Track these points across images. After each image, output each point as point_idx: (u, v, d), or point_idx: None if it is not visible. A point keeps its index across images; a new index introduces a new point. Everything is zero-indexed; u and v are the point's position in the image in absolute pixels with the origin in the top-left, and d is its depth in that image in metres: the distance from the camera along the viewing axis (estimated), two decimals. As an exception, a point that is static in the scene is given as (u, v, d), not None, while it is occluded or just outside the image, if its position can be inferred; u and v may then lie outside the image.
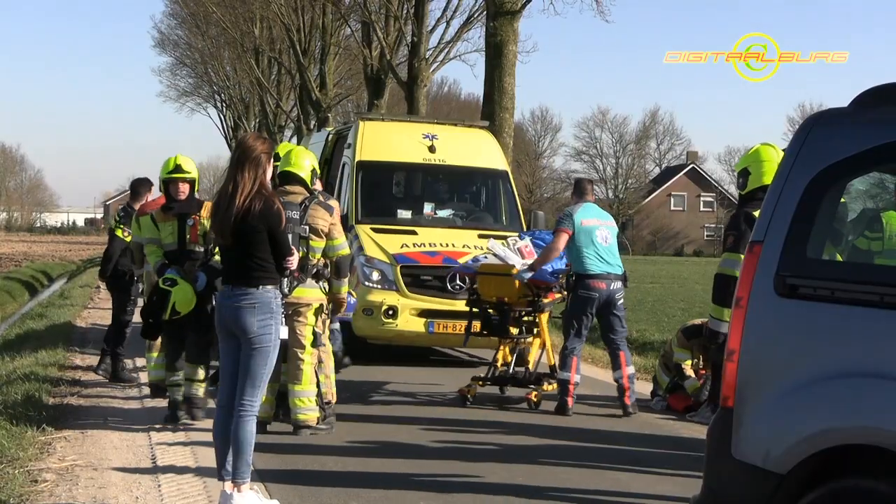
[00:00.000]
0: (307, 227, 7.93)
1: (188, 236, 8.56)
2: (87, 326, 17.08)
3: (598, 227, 9.74)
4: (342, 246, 8.19)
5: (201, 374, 8.56)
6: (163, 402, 9.49)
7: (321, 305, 8.15)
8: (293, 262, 6.29)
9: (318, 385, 8.23)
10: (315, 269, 8.04)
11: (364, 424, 8.75)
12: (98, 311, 20.00)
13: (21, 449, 7.31)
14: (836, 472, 3.79)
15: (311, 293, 8.05)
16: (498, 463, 7.54)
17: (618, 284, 9.74)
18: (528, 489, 6.81)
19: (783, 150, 6.47)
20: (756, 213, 6.17)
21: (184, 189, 8.61)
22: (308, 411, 8.12)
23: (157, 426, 8.45)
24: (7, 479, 6.51)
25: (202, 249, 8.52)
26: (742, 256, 6.19)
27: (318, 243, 8.04)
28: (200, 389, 8.59)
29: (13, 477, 6.55)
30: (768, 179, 6.30)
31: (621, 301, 9.78)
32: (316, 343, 8.13)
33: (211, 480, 6.47)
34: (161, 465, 7.16)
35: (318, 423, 8.20)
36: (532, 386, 10.03)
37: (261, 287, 6.03)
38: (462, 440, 8.38)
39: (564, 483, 7.05)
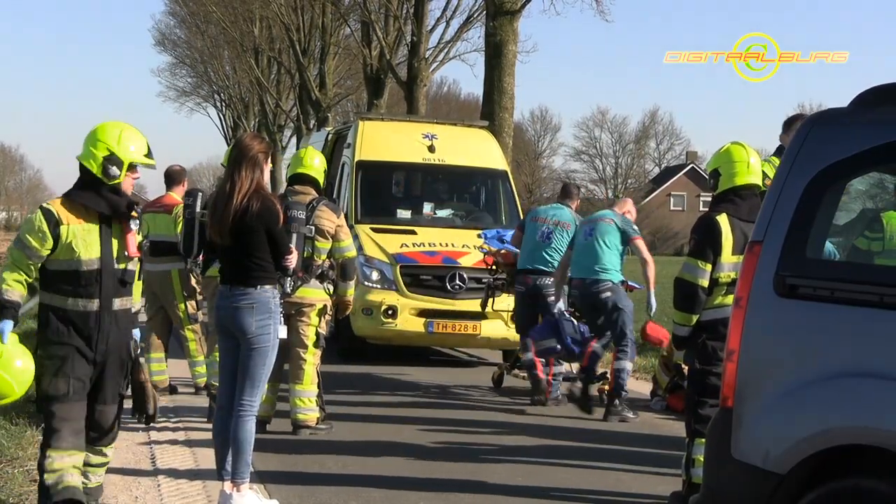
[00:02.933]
0: (312, 228, 7.89)
1: (121, 248, 5.51)
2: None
3: (541, 224, 10.19)
4: (349, 248, 8.16)
5: (103, 457, 5.75)
6: (161, 402, 9.50)
7: (325, 306, 8.14)
8: (292, 261, 6.28)
9: (319, 386, 8.23)
10: (320, 270, 8.02)
11: (364, 424, 8.75)
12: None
13: (20, 448, 7.31)
14: (836, 472, 3.78)
15: (315, 294, 8.03)
16: (498, 463, 7.55)
17: (545, 281, 10.03)
18: (528, 489, 6.81)
19: (756, 150, 6.47)
20: (720, 219, 6.17)
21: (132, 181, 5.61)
22: (308, 411, 8.13)
23: (157, 426, 8.43)
24: (6, 479, 6.51)
25: (135, 269, 5.65)
26: (699, 262, 6.20)
27: (324, 244, 8.02)
28: (98, 475, 5.78)
29: (12, 476, 6.55)
30: (740, 180, 6.30)
31: (552, 299, 9.99)
32: (318, 343, 8.12)
33: (210, 480, 6.47)
34: (160, 465, 7.16)
35: (317, 424, 8.20)
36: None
37: (259, 287, 6.01)
38: (462, 440, 8.38)
39: (564, 483, 7.05)
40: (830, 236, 4.44)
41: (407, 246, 12.31)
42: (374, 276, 12.05)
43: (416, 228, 12.83)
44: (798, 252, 4.05)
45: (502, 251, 10.94)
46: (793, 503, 3.85)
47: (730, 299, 6.23)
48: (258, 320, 5.99)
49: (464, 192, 14.37)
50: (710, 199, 6.53)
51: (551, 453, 7.94)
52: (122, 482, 6.68)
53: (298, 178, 8.13)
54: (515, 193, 13.91)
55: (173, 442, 7.90)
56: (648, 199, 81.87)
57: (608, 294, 9.38)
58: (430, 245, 12.30)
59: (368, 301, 11.85)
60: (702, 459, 5.92)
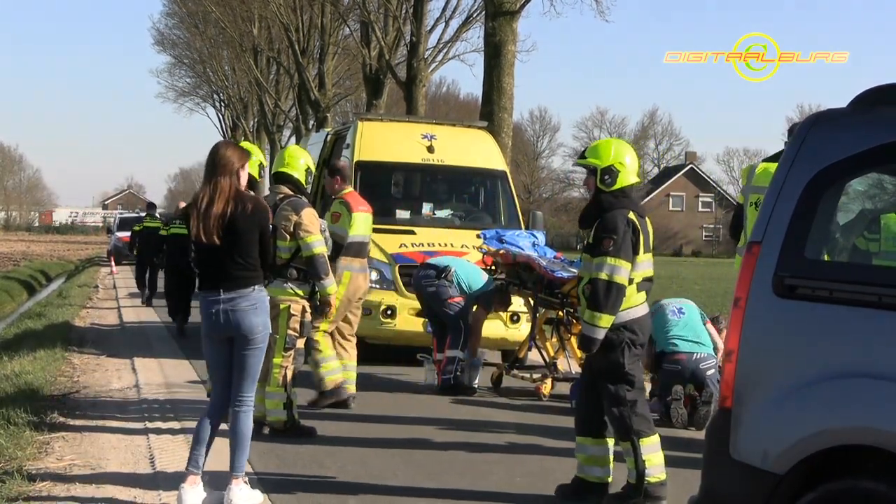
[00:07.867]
0: (271, 227, 7.75)
1: None
2: (86, 326, 17.08)
3: None
4: (311, 245, 7.99)
5: None
6: (161, 395, 9.48)
7: (289, 307, 8.03)
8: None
9: (286, 389, 8.07)
10: (283, 270, 7.98)
11: (362, 424, 8.75)
12: (97, 311, 20.01)
13: (19, 448, 7.31)
14: (835, 472, 3.79)
15: (279, 293, 7.96)
16: (497, 463, 7.54)
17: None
18: (527, 489, 6.81)
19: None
20: (632, 217, 6.22)
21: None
22: (273, 413, 8.08)
23: (156, 426, 8.44)
24: (5, 479, 6.50)
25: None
26: (622, 262, 6.17)
27: (285, 243, 7.99)
28: None
29: (11, 476, 6.55)
30: (635, 178, 6.45)
31: (432, 290, 10.81)
32: (286, 345, 8.04)
33: (208, 479, 6.46)
34: (159, 465, 7.16)
35: (283, 428, 8.09)
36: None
37: (255, 288, 6.09)
38: (460, 440, 8.37)
39: (563, 482, 7.04)
40: (829, 236, 4.44)
41: (406, 246, 12.31)
42: (373, 276, 12.03)
43: (415, 229, 12.83)
44: (797, 252, 4.05)
45: (501, 251, 10.94)
46: None
47: (642, 297, 6.34)
48: (263, 320, 6.10)
49: (463, 192, 14.37)
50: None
51: (550, 453, 7.93)
52: (120, 482, 6.68)
53: (275, 178, 8.24)
54: (514, 194, 13.90)
55: (172, 441, 7.90)
56: (647, 199, 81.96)
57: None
58: (429, 245, 12.30)
59: (367, 301, 11.83)
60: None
